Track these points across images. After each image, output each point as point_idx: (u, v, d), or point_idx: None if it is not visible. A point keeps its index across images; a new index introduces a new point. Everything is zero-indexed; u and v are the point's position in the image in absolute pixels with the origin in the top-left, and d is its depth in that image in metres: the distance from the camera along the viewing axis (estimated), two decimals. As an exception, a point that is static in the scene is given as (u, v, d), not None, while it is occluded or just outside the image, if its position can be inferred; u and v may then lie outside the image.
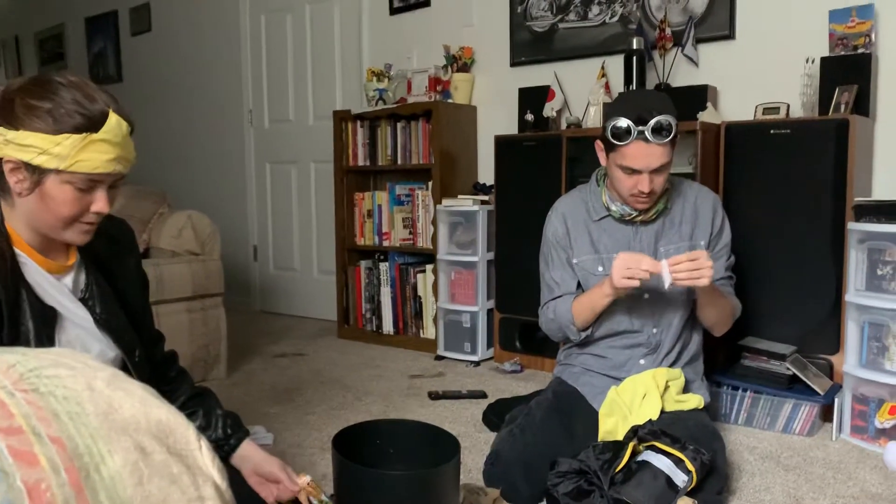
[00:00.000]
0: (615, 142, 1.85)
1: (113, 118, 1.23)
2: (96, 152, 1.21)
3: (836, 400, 2.26)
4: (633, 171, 1.86)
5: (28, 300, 1.26)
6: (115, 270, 1.47)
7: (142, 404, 0.58)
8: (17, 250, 1.28)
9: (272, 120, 4.61)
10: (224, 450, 1.54)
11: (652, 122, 1.79)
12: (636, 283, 1.80)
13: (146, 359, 1.50)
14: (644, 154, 1.82)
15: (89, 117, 1.20)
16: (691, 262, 1.76)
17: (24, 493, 0.45)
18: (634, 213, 1.98)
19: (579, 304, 1.98)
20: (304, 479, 1.49)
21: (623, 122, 1.82)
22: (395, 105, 3.64)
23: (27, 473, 0.46)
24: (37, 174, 1.21)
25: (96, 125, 1.21)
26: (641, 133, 1.80)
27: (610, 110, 1.93)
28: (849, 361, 2.28)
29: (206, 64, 4.97)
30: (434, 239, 3.38)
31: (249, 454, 1.55)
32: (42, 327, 1.27)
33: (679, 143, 1.94)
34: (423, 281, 3.52)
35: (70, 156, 1.19)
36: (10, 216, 1.29)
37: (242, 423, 1.62)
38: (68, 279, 1.37)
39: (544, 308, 2.11)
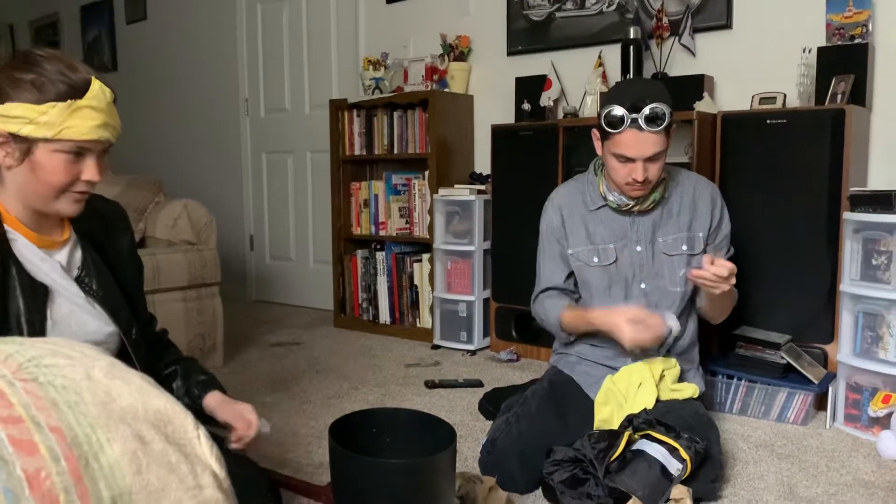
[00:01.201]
0: (609, 130, 1.86)
1: (96, 84, 1.26)
2: (82, 119, 1.23)
3: (830, 389, 2.27)
4: (627, 160, 1.87)
5: (18, 276, 1.27)
6: (109, 249, 1.48)
7: (140, 393, 0.59)
8: (6, 227, 1.29)
9: (268, 109, 4.60)
10: (195, 394, 1.56)
11: (646, 109, 1.80)
12: (646, 346, 1.86)
13: (143, 337, 1.51)
14: (637, 142, 1.83)
15: (72, 85, 1.23)
16: (717, 273, 1.81)
17: (23, 482, 0.45)
18: (631, 203, 1.98)
19: (567, 317, 2.03)
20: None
21: (617, 111, 1.83)
22: (391, 94, 3.63)
23: (27, 462, 0.46)
24: (26, 144, 1.23)
25: (80, 92, 1.24)
26: (635, 121, 1.81)
27: (605, 99, 1.94)
28: (843, 351, 2.29)
29: (202, 53, 4.95)
30: (430, 228, 3.38)
31: (216, 396, 1.56)
32: (32, 303, 1.27)
33: (675, 132, 1.95)
34: (420, 270, 3.53)
35: (57, 123, 1.21)
36: (0, 192, 1.30)
37: (217, 381, 1.62)
38: (61, 255, 1.37)
39: (536, 301, 2.15)
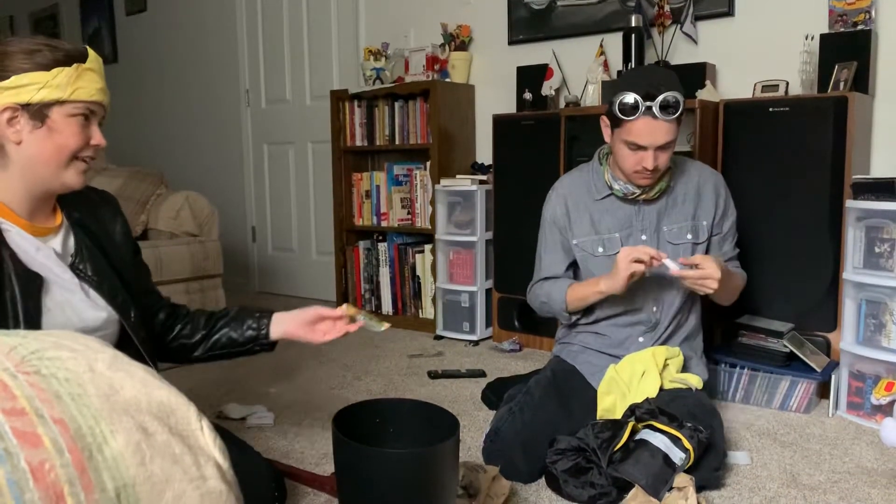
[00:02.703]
0: (622, 117, 1.85)
1: (92, 52, 1.35)
2: (88, 81, 1.32)
3: (833, 377, 2.28)
4: (638, 147, 1.86)
5: (12, 266, 1.28)
6: (101, 235, 1.50)
7: (143, 385, 0.59)
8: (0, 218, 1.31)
9: (269, 100, 4.59)
10: (262, 331, 1.65)
11: (660, 98, 1.79)
12: (642, 268, 1.82)
13: (142, 320, 1.52)
14: (651, 130, 1.83)
15: (72, 51, 1.31)
16: (698, 272, 1.82)
17: (28, 474, 0.45)
18: (637, 192, 1.97)
19: (573, 293, 2.01)
20: (343, 306, 1.68)
21: (630, 98, 1.82)
22: (392, 84, 3.62)
23: (31, 454, 0.46)
24: (41, 111, 1.28)
25: (82, 56, 1.32)
26: (649, 109, 1.81)
27: (616, 86, 1.93)
28: (846, 339, 2.29)
29: (203, 44, 4.93)
30: (432, 219, 3.38)
31: (281, 318, 1.67)
32: (27, 293, 1.29)
33: (683, 121, 1.94)
34: (422, 261, 3.53)
35: (69, 84, 1.29)
36: None
37: (259, 308, 1.71)
38: (55, 242, 1.39)
39: (533, 288, 2.14)
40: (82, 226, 1.46)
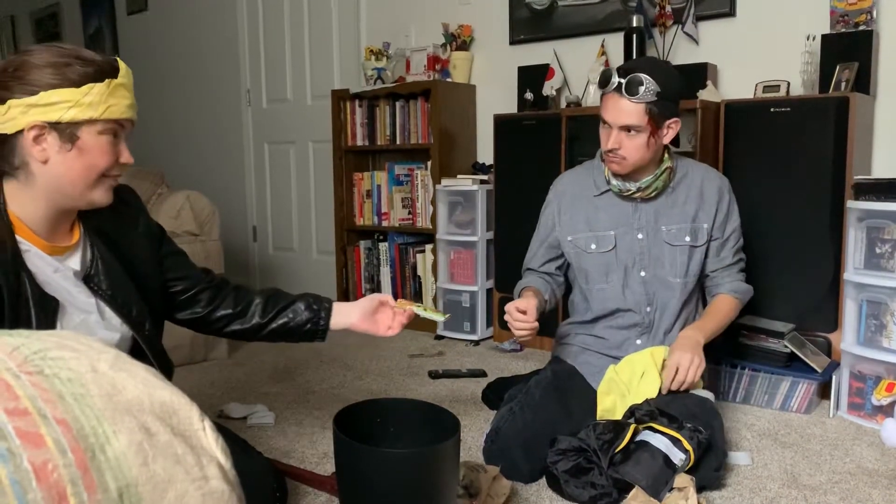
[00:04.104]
0: (600, 89, 1.92)
1: (122, 64, 1.28)
2: (120, 97, 1.26)
3: (834, 377, 2.28)
4: (605, 123, 1.91)
5: (30, 288, 1.25)
6: (120, 240, 1.46)
7: (145, 385, 0.59)
8: (18, 237, 1.27)
9: (270, 100, 4.59)
10: (320, 325, 1.65)
11: (630, 76, 1.83)
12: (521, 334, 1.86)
13: (156, 331, 1.50)
14: (615, 107, 1.87)
15: (104, 65, 1.25)
16: (680, 375, 1.84)
17: (31, 474, 0.46)
18: (633, 188, 1.98)
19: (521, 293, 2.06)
20: (399, 301, 1.72)
21: (610, 72, 1.89)
22: (393, 84, 3.62)
23: (34, 454, 0.46)
24: (69, 130, 1.22)
25: (114, 71, 1.25)
26: (619, 86, 1.85)
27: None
28: (847, 339, 2.29)
29: (204, 43, 4.93)
30: (433, 219, 3.38)
31: (343, 310, 1.67)
32: (43, 317, 1.26)
33: (675, 125, 1.94)
34: (423, 261, 3.53)
35: (101, 102, 1.22)
36: (17, 198, 1.27)
37: (318, 296, 1.70)
38: (73, 261, 1.36)
39: (523, 274, 2.21)
40: (100, 232, 1.42)
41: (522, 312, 1.84)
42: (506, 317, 1.86)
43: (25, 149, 1.22)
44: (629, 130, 1.87)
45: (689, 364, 1.84)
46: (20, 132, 1.21)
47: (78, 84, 1.20)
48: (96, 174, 1.27)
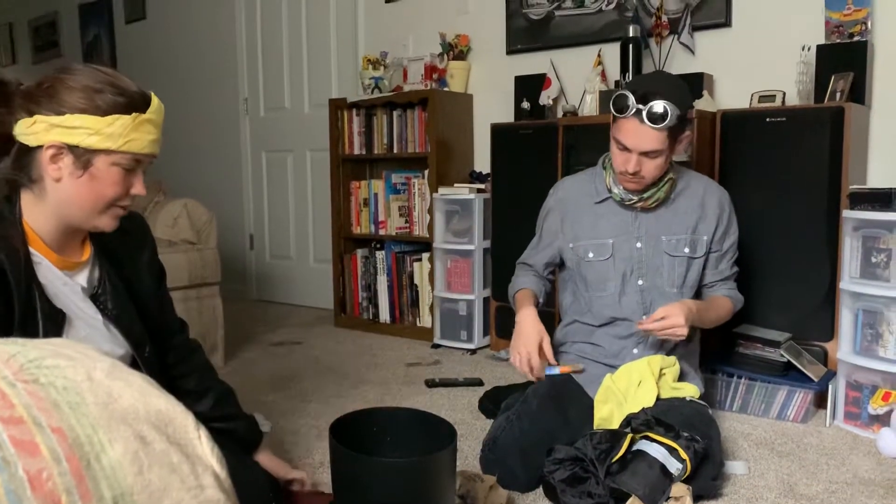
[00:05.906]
0: (615, 113, 1.88)
1: (155, 99, 1.28)
2: (143, 132, 1.25)
3: (830, 387, 2.28)
4: (624, 148, 1.88)
5: (39, 301, 1.26)
6: (126, 264, 1.47)
7: (141, 394, 0.59)
8: (31, 249, 1.28)
9: (268, 108, 4.60)
10: (247, 450, 1.71)
11: (651, 104, 1.80)
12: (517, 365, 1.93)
13: (156, 355, 1.51)
14: (636, 133, 1.84)
15: (135, 98, 1.25)
16: (663, 322, 1.83)
17: (25, 482, 0.45)
18: (634, 198, 1.98)
19: (518, 298, 2.11)
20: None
21: (626, 96, 1.84)
22: (390, 93, 3.63)
23: (29, 463, 0.46)
24: (85, 156, 1.23)
25: (145, 105, 1.25)
26: (639, 112, 1.82)
27: (627, 83, 1.95)
28: (843, 348, 2.29)
29: (202, 52, 4.95)
30: (430, 227, 3.39)
31: (265, 458, 1.73)
32: (51, 329, 1.26)
33: (686, 139, 1.96)
34: (420, 269, 3.53)
35: (122, 135, 1.22)
36: (32, 210, 1.28)
37: (253, 429, 1.75)
38: (82, 277, 1.36)
39: (517, 266, 2.23)
40: (108, 254, 1.43)
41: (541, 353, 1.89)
42: (521, 364, 1.92)
43: (42, 164, 1.24)
44: (650, 154, 1.86)
45: (675, 318, 1.82)
46: (40, 147, 1.22)
47: (104, 113, 1.21)
48: (104, 203, 1.28)
